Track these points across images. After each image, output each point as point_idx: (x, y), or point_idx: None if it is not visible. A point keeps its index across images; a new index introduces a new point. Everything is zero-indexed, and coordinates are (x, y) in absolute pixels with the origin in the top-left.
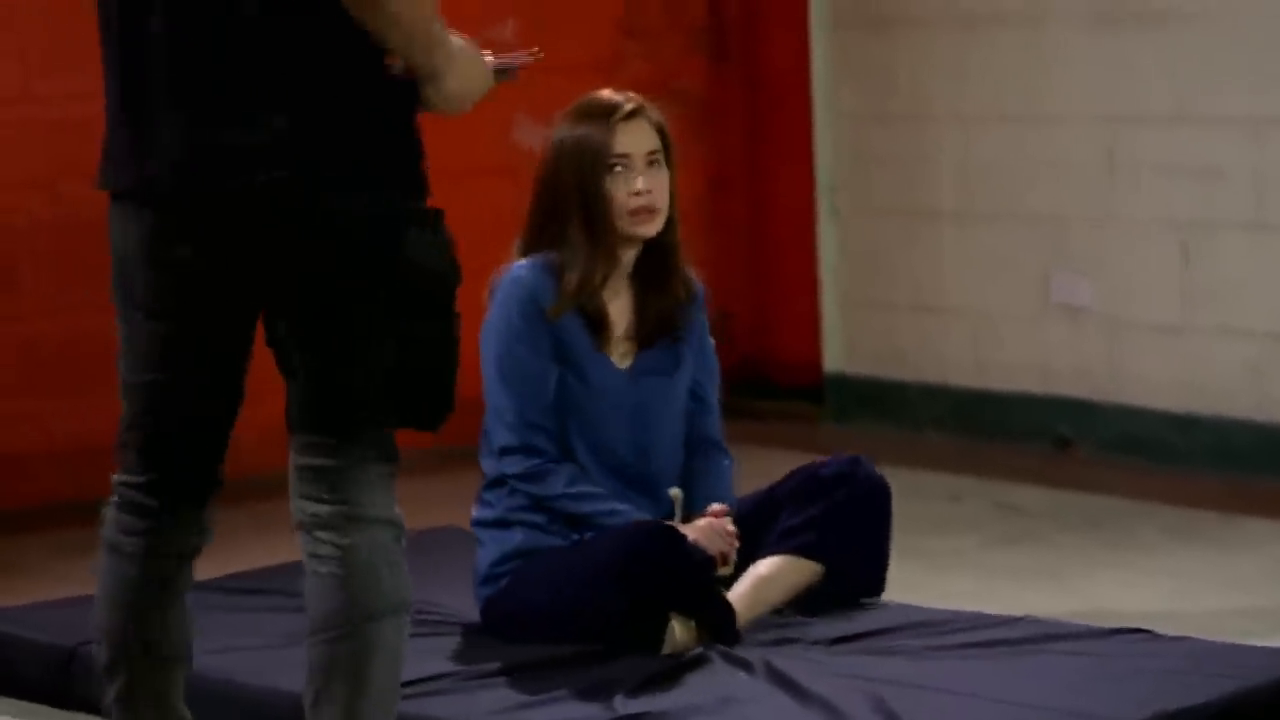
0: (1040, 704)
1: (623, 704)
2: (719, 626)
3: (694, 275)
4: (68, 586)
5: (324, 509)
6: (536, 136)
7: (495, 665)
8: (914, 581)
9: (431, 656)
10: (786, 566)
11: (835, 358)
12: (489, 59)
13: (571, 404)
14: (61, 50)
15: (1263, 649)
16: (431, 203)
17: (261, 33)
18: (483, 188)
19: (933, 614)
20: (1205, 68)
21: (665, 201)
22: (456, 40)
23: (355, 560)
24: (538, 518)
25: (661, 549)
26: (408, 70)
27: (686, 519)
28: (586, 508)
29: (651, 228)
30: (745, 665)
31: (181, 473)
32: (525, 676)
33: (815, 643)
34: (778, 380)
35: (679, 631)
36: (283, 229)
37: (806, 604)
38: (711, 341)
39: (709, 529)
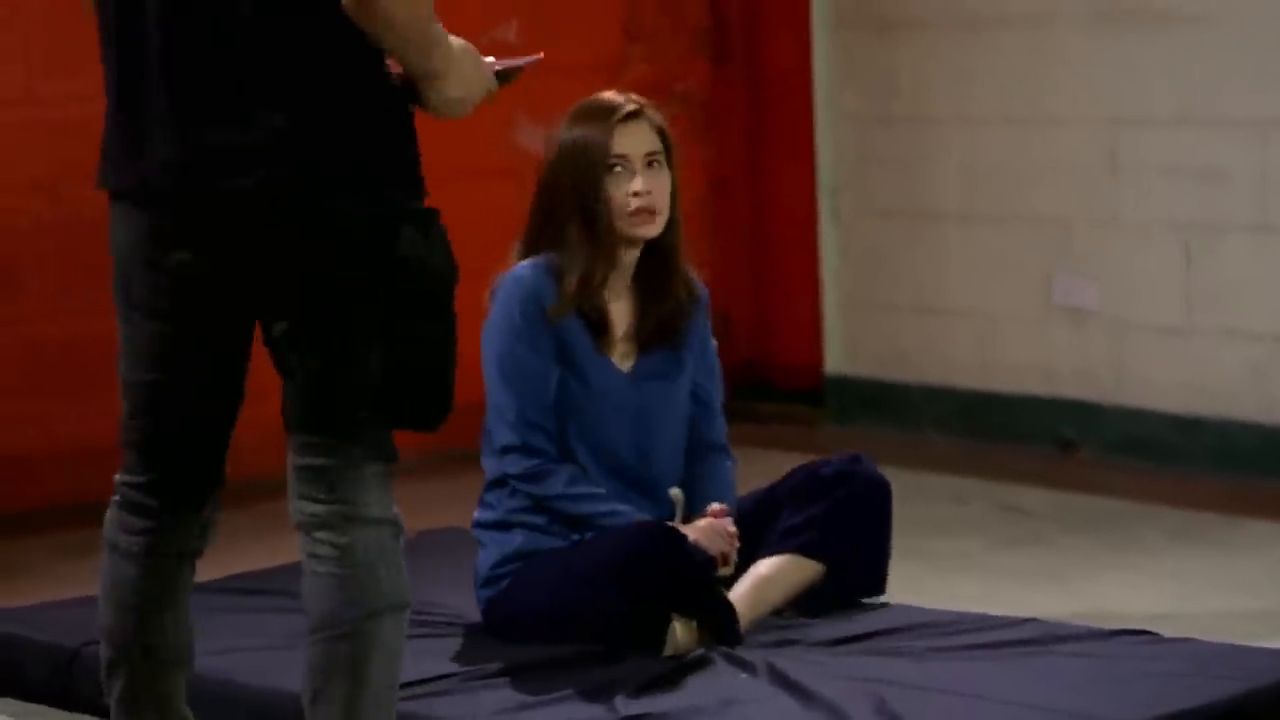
0: (1044, 705)
1: (625, 705)
2: (721, 627)
3: (696, 277)
4: (71, 588)
5: (322, 509)
6: (538, 138)
7: (497, 666)
8: (918, 583)
9: (433, 657)
10: (788, 566)
11: (837, 360)
12: (490, 62)
13: (572, 406)
14: (64, 52)
15: (1266, 650)
16: (434, 204)
17: (256, 33)
18: (485, 189)
19: (936, 615)
20: (1209, 69)
21: (665, 203)
22: (457, 42)
23: (353, 559)
24: (538, 519)
25: (663, 550)
26: (407, 74)
27: (687, 520)
28: (586, 508)
29: (650, 229)
30: (747, 666)
31: (182, 472)
32: (527, 677)
33: (818, 644)
34: (779, 382)
35: (680, 632)
36: (278, 229)
37: (808, 604)
38: (715, 344)
39: (709, 529)
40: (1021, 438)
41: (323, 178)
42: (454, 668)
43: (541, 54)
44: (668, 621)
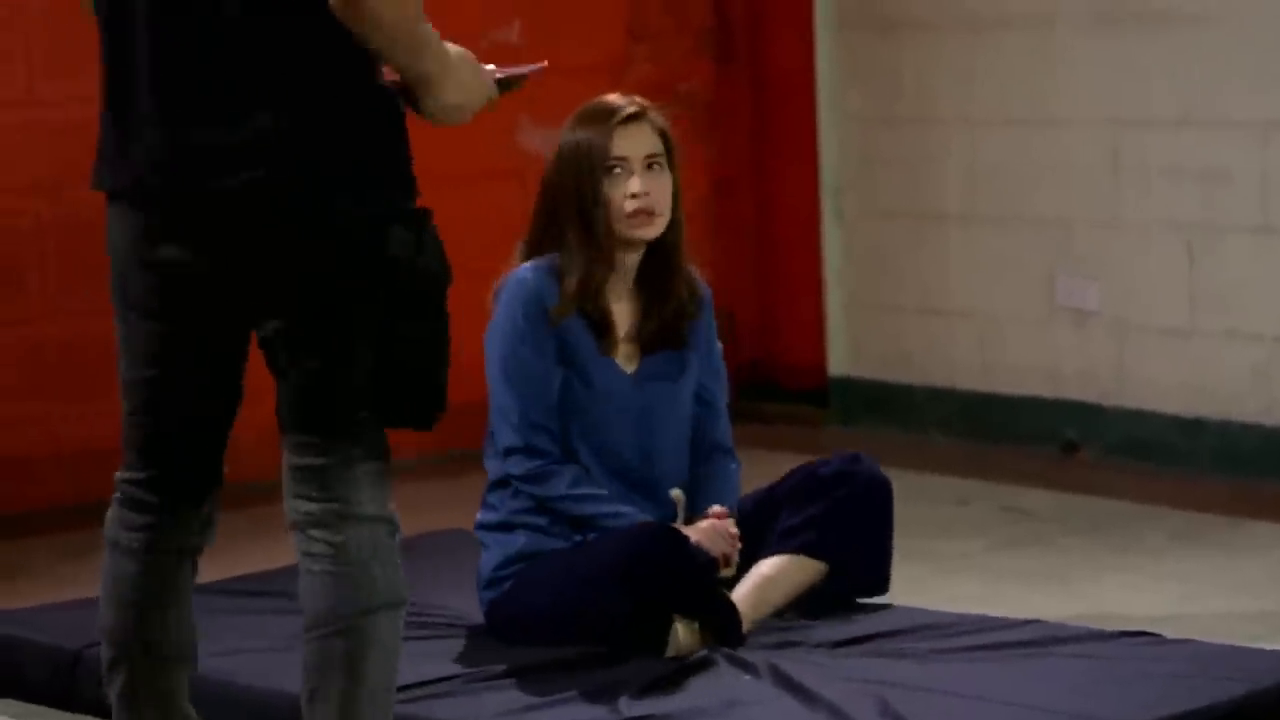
0: (1046, 707)
1: (628, 706)
2: (723, 628)
3: (700, 279)
4: (73, 589)
5: (316, 507)
6: (541, 140)
7: (500, 668)
8: (920, 584)
9: (436, 659)
10: (789, 566)
11: (840, 361)
12: (491, 70)
13: (575, 407)
14: (65, 53)
15: (1269, 652)
16: (437, 205)
17: (244, 33)
18: (489, 191)
19: (939, 617)
20: (1211, 71)
21: (665, 204)
22: (454, 49)
23: (348, 557)
24: (541, 520)
25: (666, 551)
26: (403, 80)
27: (688, 521)
28: (589, 509)
29: (650, 230)
30: (750, 668)
31: (181, 470)
32: (530, 679)
33: (820, 645)
34: (783, 383)
35: (683, 634)
36: (268, 229)
37: (810, 604)
38: (720, 346)
39: (711, 531)
40: (1024, 439)
41: (308, 178)
42: (456, 669)
43: (545, 63)
44: (670, 623)
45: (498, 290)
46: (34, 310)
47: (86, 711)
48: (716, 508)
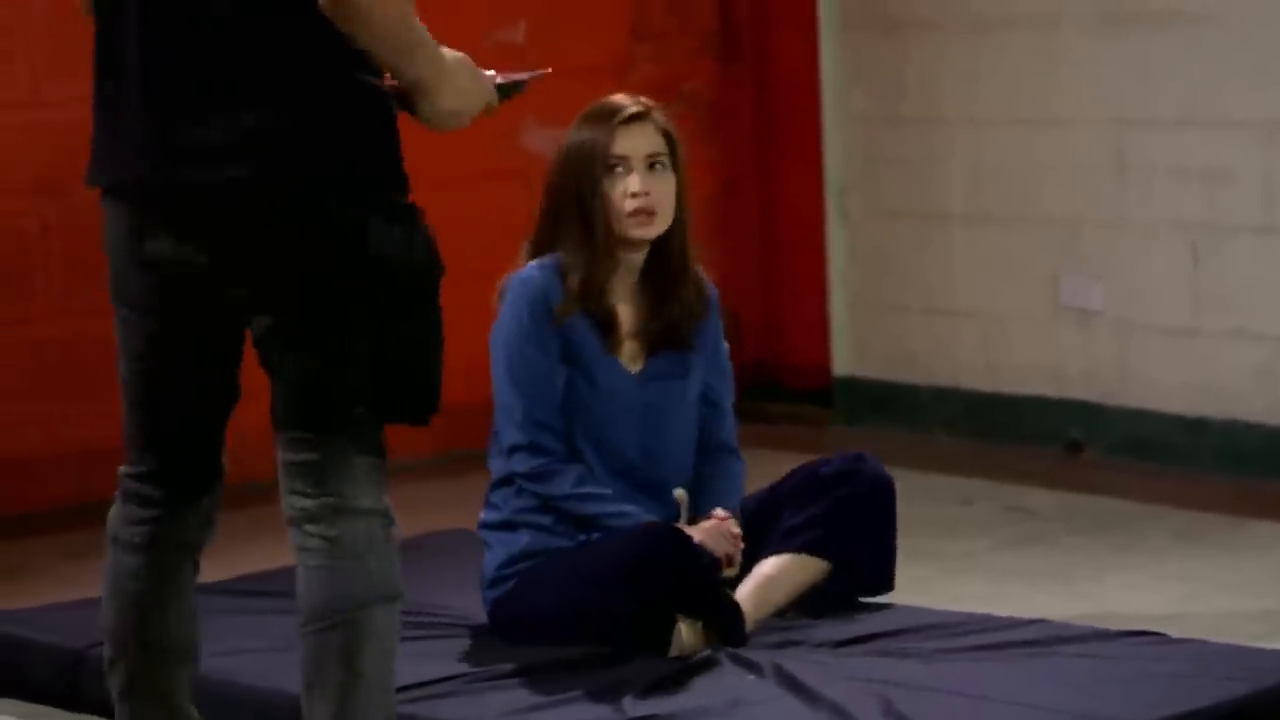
0: (1050, 706)
1: (632, 706)
2: (727, 628)
3: (706, 279)
4: (76, 589)
5: (311, 503)
6: (545, 140)
7: (503, 668)
8: (925, 584)
9: (439, 659)
10: (792, 565)
11: (845, 360)
12: (491, 75)
13: (580, 405)
14: (68, 54)
15: (1272, 652)
16: (442, 207)
17: (236, 32)
18: (493, 191)
19: (943, 616)
20: (1216, 70)
21: (666, 204)
22: (452, 54)
23: (343, 551)
24: (544, 519)
25: (670, 551)
26: (399, 84)
27: (692, 521)
28: (593, 508)
29: (650, 230)
30: (754, 667)
31: (181, 466)
32: (534, 679)
33: (824, 645)
34: (787, 383)
35: (686, 633)
36: (257, 226)
37: (814, 604)
38: (726, 346)
39: (714, 530)
40: (1029, 439)
41: (297, 176)
42: (459, 669)
43: (549, 68)
44: (673, 623)
45: (503, 289)
46: (36, 311)
47: (90, 712)
48: (719, 511)
